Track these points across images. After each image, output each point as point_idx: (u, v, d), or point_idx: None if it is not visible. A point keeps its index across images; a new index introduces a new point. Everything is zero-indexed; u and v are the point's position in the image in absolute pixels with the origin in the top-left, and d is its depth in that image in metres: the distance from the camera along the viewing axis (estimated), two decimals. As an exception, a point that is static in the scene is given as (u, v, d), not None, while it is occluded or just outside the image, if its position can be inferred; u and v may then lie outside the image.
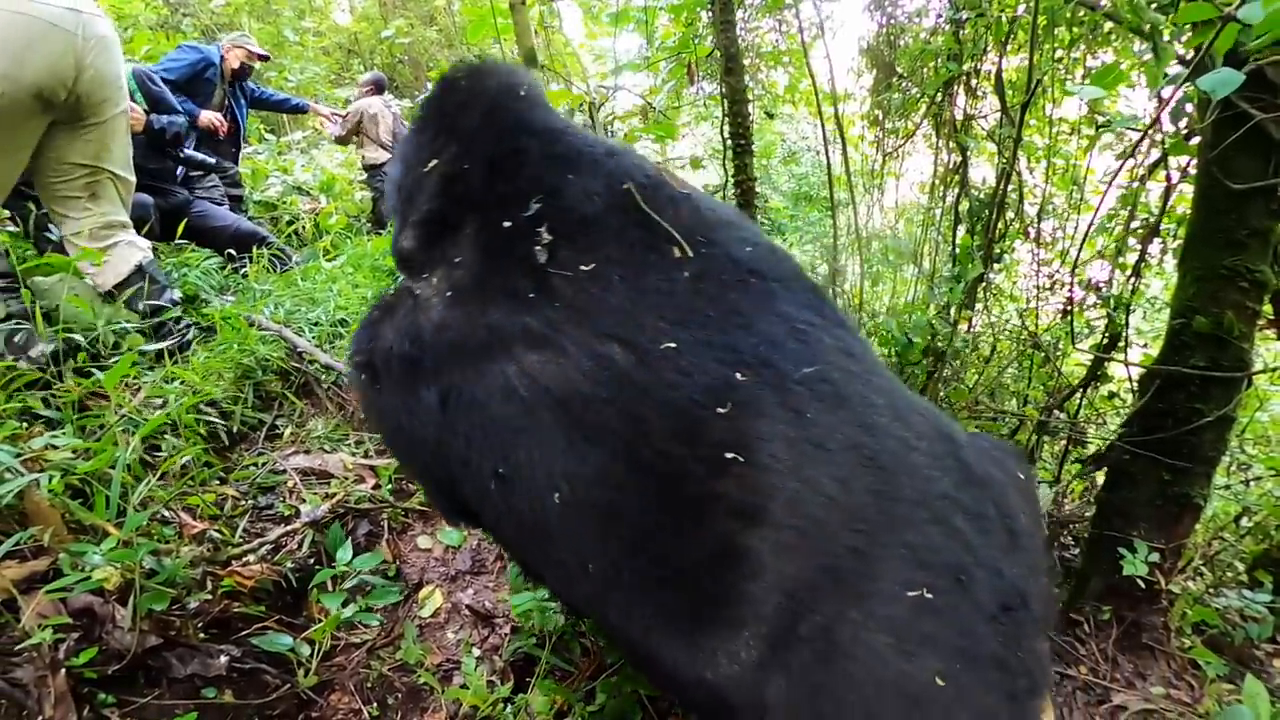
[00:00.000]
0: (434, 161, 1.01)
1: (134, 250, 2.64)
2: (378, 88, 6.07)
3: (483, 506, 0.88)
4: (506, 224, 0.90)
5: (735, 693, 0.78)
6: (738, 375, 0.80)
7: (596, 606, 0.89)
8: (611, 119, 2.84)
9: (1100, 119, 2.64)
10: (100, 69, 2.40)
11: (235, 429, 2.29)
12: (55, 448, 1.66)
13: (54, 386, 1.94)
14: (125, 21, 6.03)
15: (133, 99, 3.25)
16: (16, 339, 2.14)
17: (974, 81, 3.18)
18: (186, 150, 3.72)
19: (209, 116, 4.21)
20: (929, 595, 0.75)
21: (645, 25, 2.96)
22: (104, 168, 2.57)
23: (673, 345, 0.80)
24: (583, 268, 0.86)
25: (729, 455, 0.75)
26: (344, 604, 1.71)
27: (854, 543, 0.76)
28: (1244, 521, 2.63)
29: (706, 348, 0.82)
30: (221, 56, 4.36)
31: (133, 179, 2.71)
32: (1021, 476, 0.99)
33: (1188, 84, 1.94)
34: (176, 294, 2.81)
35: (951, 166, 3.41)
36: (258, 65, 4.69)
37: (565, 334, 0.82)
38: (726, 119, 2.33)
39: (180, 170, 3.89)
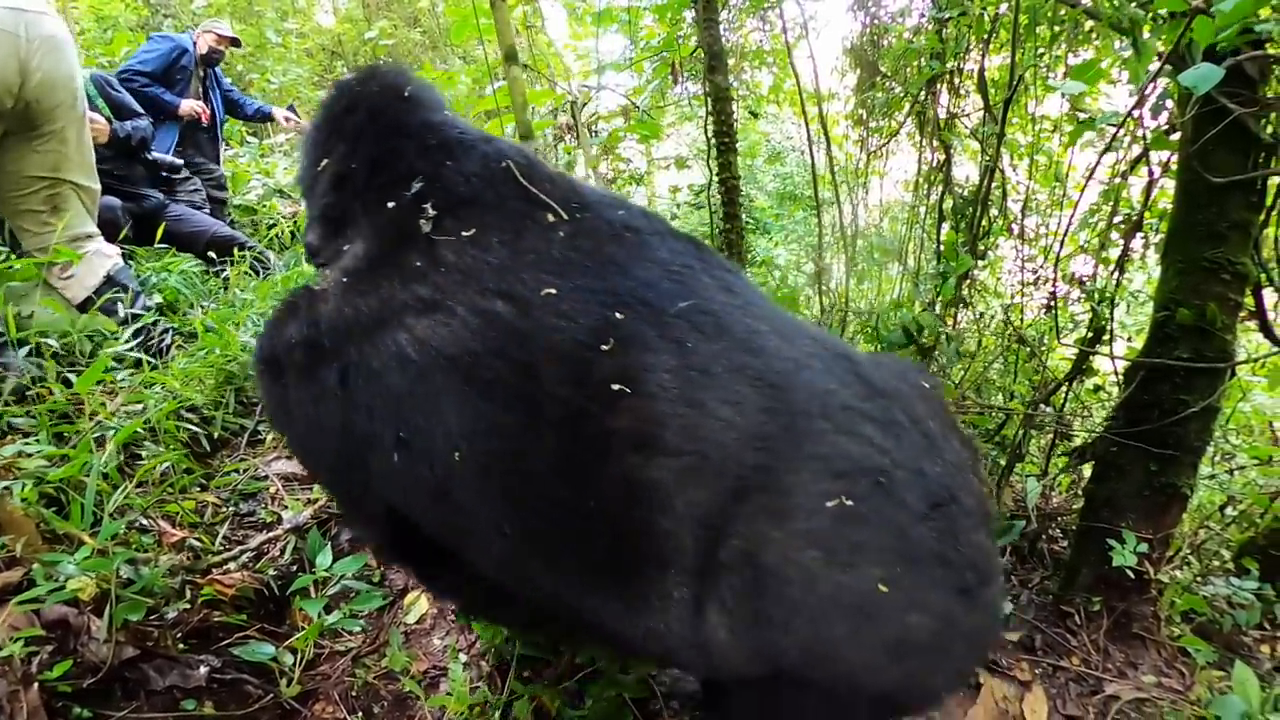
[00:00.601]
0: (325, 160, 1.09)
1: (102, 260, 2.54)
2: None
3: (391, 483, 0.88)
4: (391, 204, 0.96)
5: (682, 638, 0.77)
6: (617, 315, 0.81)
7: (528, 575, 0.87)
8: (595, 119, 2.82)
9: (1082, 116, 2.66)
10: (50, 71, 2.23)
11: (217, 435, 2.25)
12: (27, 455, 1.62)
13: (28, 394, 1.90)
14: (106, 22, 5.94)
15: (93, 106, 3.18)
16: None
17: (957, 80, 3.20)
18: (155, 154, 3.65)
19: (190, 105, 4.10)
20: (850, 502, 0.74)
21: (629, 26, 2.95)
22: (64, 178, 2.43)
23: (553, 292, 0.82)
24: (464, 234, 0.90)
25: (616, 388, 0.75)
26: (327, 610, 1.68)
27: (758, 461, 0.75)
28: (1229, 510, 2.66)
29: (586, 293, 0.83)
30: (194, 42, 4.28)
31: (96, 186, 2.60)
32: (926, 386, 1.00)
33: (1168, 79, 1.97)
34: (151, 299, 2.71)
35: (935, 165, 3.43)
36: (227, 50, 4.55)
37: (452, 297, 0.84)
38: (710, 117, 2.32)
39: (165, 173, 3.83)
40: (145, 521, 1.74)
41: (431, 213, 0.93)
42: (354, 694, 1.57)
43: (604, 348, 0.77)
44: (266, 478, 2.08)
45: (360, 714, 1.53)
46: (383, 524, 0.98)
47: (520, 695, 1.61)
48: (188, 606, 1.53)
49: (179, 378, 2.26)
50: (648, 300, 0.84)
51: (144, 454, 1.93)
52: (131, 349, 2.26)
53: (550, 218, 0.92)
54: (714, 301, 0.86)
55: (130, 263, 3.12)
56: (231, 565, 1.71)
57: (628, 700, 1.54)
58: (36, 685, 1.25)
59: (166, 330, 2.63)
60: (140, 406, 2.05)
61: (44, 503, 1.61)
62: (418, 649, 1.70)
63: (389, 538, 1.02)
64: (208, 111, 4.24)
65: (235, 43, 4.61)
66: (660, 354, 0.78)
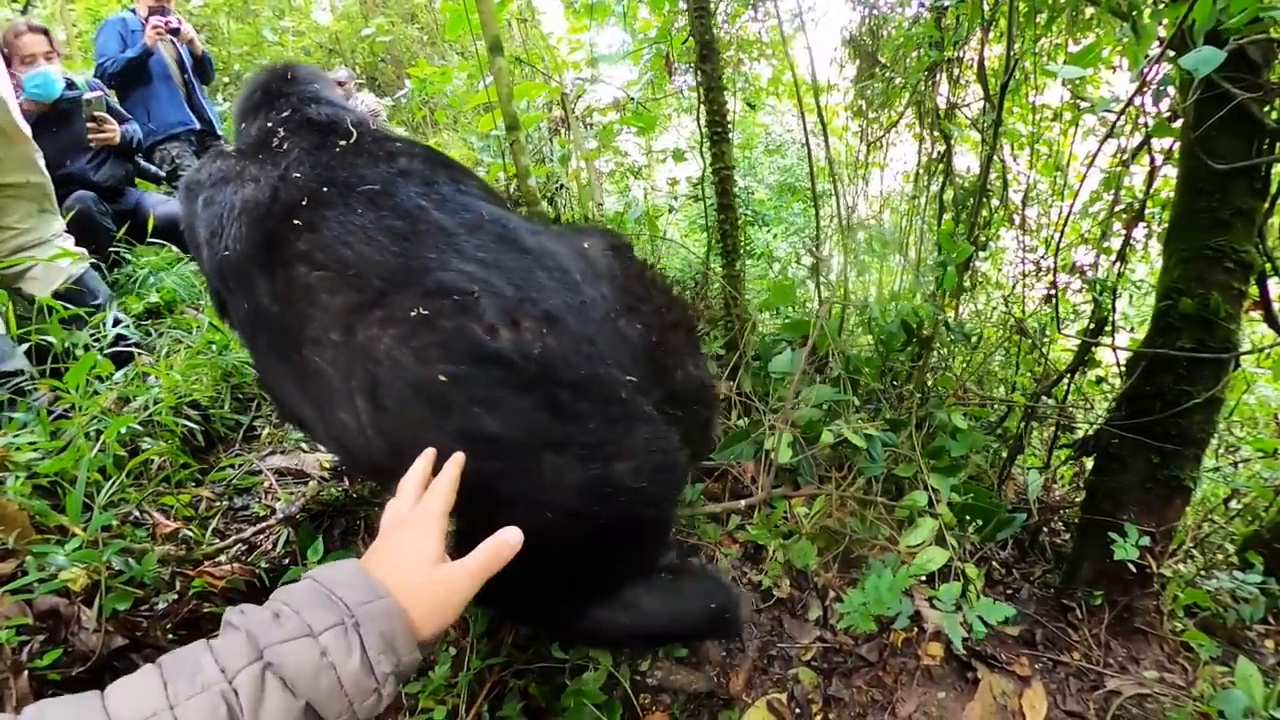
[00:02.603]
0: (244, 125, 1.59)
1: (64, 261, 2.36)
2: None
3: (208, 258, 1.36)
4: (270, 124, 1.47)
5: (347, 424, 1.05)
6: (324, 189, 1.22)
7: (259, 345, 1.29)
8: (590, 112, 2.80)
9: (1083, 104, 2.62)
10: None
11: (216, 430, 2.25)
12: (18, 448, 1.62)
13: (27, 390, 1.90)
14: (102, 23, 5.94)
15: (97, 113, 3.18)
16: None
17: (956, 71, 3.16)
18: (141, 162, 3.68)
19: (150, 30, 4.01)
20: (424, 312, 1.00)
21: (626, 18, 2.93)
22: None
23: (298, 176, 1.26)
24: (288, 144, 1.37)
25: (299, 223, 1.17)
26: (318, 602, 1.67)
27: (379, 286, 1.06)
28: (1233, 503, 2.62)
29: (315, 178, 1.25)
30: (133, 10, 4.26)
31: (41, 178, 2.39)
32: (600, 247, 1.27)
33: (1169, 63, 1.94)
34: (114, 310, 2.53)
35: (935, 155, 3.40)
36: (170, 1, 4.39)
37: (263, 173, 1.30)
38: (703, 106, 2.30)
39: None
40: (139, 514, 1.74)
41: (283, 133, 1.41)
42: (343, 685, 1.56)
43: (303, 203, 1.20)
44: (260, 472, 2.08)
45: (348, 705, 1.52)
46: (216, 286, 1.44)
47: (511, 687, 1.61)
48: (177, 598, 1.53)
49: (180, 371, 2.26)
50: (348, 184, 1.23)
51: (141, 449, 1.93)
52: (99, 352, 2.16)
53: (342, 142, 1.37)
54: (401, 191, 1.22)
55: (105, 263, 3.09)
56: (223, 558, 1.71)
57: (628, 693, 1.53)
58: (26, 673, 1.26)
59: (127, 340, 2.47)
60: (139, 402, 2.05)
61: (39, 496, 1.61)
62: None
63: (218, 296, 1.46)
64: (168, 18, 4.13)
65: None
66: (335, 211, 1.17)
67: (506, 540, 0.81)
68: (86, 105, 3.12)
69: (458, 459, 0.92)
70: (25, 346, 2.11)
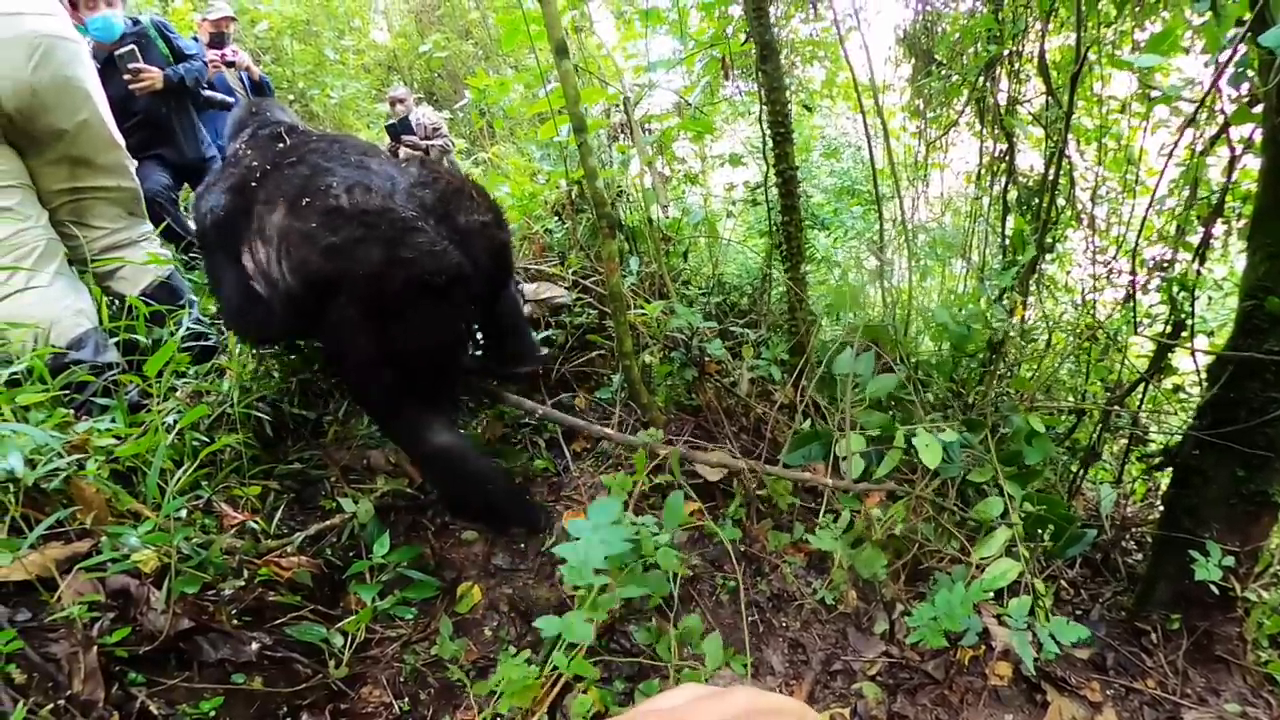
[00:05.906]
0: (229, 144, 2.37)
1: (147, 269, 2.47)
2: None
3: (207, 230, 2.02)
4: (239, 145, 2.20)
5: (272, 281, 1.78)
6: (267, 166, 1.90)
7: (226, 265, 1.95)
8: (648, 119, 2.81)
9: (1154, 93, 2.49)
10: (32, 80, 2.02)
11: (285, 423, 2.29)
12: (99, 433, 1.69)
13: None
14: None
15: (152, 49, 3.25)
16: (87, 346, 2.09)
17: (1016, 65, 3.06)
18: (205, 91, 3.77)
19: (211, 61, 4.25)
20: (309, 200, 1.72)
21: (678, 26, 2.94)
22: (85, 187, 2.32)
23: (255, 164, 1.94)
24: (250, 152, 2.04)
25: (255, 185, 1.86)
26: (380, 596, 1.68)
27: (292, 198, 1.74)
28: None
29: (264, 160, 1.95)
30: (195, 39, 4.48)
31: (131, 184, 2.50)
32: (408, 164, 2.07)
33: (1246, 45, 1.83)
34: (195, 310, 2.62)
35: (997, 154, 3.29)
36: (228, 30, 4.62)
37: (238, 171, 1.94)
38: (764, 107, 2.27)
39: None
40: (207, 505, 1.79)
41: (248, 146, 2.13)
42: (402, 680, 1.57)
43: (259, 174, 1.89)
44: (328, 466, 2.11)
45: (406, 700, 1.53)
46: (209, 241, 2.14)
47: (571, 690, 1.59)
48: (243, 585, 1.57)
49: (251, 369, 2.31)
50: (281, 162, 1.90)
51: (213, 439, 1.99)
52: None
53: (281, 145, 2.07)
54: (310, 158, 1.89)
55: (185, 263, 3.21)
56: (289, 549, 1.74)
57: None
58: (96, 649, 1.30)
59: (214, 345, 2.56)
60: (214, 398, 2.12)
61: (115, 481, 1.67)
62: (469, 639, 1.70)
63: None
64: (224, 51, 4.40)
65: (232, 19, 4.72)
66: (273, 176, 1.86)
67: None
68: (119, 59, 3.19)
69: None
70: (115, 340, 2.22)
